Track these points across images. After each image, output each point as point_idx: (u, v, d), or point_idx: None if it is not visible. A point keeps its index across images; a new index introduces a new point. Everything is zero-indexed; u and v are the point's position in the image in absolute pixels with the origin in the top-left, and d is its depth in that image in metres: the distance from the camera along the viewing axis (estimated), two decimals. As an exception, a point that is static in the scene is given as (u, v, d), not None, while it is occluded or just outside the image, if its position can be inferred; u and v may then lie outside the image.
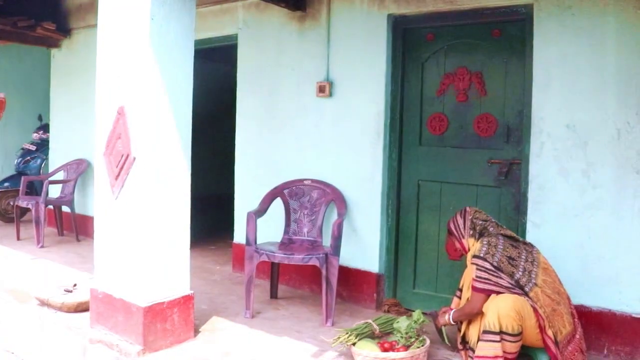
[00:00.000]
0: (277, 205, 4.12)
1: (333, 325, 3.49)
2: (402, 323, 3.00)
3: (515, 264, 2.75)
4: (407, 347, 2.88)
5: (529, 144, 3.32)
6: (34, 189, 6.63)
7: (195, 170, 3.41)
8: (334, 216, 3.96)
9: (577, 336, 2.72)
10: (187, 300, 3.19)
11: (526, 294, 2.65)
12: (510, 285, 2.69)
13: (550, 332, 2.59)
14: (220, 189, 5.73)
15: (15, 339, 3.19)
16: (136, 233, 3.01)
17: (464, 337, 2.94)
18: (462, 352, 2.94)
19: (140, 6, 2.93)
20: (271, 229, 4.16)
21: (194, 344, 3.17)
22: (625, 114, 3.01)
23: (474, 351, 2.74)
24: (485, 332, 2.63)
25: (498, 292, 2.70)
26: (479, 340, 2.68)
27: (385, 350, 2.86)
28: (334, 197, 3.98)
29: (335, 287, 3.55)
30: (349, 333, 2.99)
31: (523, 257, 2.80)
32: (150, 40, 2.92)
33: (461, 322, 2.98)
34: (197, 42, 3.29)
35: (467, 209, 3.07)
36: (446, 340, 3.13)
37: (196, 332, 3.30)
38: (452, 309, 3.03)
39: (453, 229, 3.07)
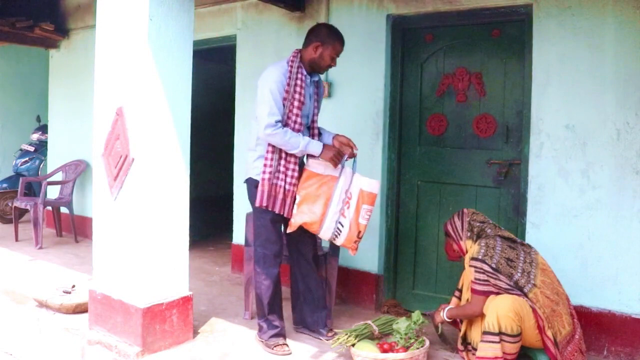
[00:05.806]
0: (276, 206, 4.10)
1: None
2: (401, 324, 2.99)
3: (514, 265, 2.75)
4: (406, 348, 2.87)
5: (528, 145, 3.32)
6: (32, 190, 6.60)
7: (194, 171, 3.40)
8: (333, 217, 3.95)
9: (577, 337, 2.72)
10: (186, 301, 3.18)
11: (525, 295, 2.65)
12: (509, 287, 2.68)
13: (549, 333, 2.59)
14: (219, 190, 5.73)
15: (13, 340, 3.19)
16: (135, 234, 3.00)
17: (465, 339, 2.94)
18: (463, 353, 2.93)
19: (138, 7, 2.92)
20: (270, 229, 4.15)
21: (193, 345, 3.16)
22: (625, 114, 3.00)
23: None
24: (484, 332, 2.62)
25: (497, 293, 2.70)
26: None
27: (384, 351, 2.85)
28: (333, 198, 3.97)
29: (334, 288, 3.54)
30: (348, 334, 2.98)
31: (521, 258, 2.79)
32: (148, 40, 2.91)
33: (460, 323, 2.98)
34: (196, 43, 3.28)
35: (464, 210, 3.05)
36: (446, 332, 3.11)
37: (195, 333, 3.30)
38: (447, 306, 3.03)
39: (450, 231, 3.06)
